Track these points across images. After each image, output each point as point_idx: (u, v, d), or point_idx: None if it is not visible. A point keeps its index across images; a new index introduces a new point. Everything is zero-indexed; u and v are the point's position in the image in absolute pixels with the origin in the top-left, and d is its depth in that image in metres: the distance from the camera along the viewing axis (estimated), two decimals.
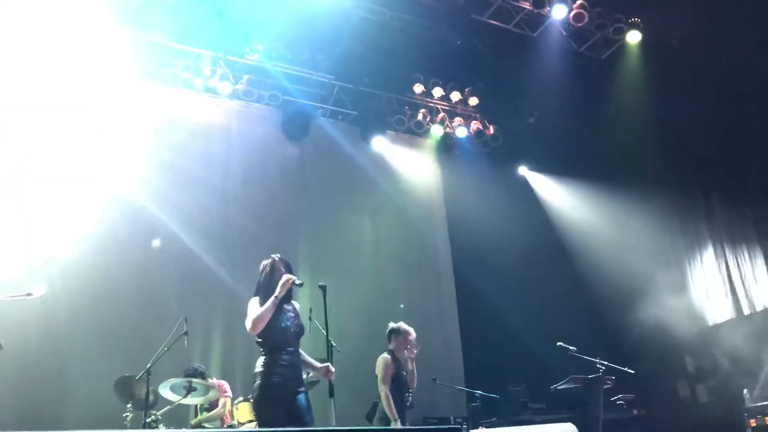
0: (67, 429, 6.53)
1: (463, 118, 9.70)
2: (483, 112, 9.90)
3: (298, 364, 4.31)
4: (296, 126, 9.01)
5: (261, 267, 4.55)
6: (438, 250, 9.66)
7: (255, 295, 4.40)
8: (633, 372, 5.69)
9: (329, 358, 6.30)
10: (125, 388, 5.83)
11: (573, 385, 5.71)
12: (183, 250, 7.68)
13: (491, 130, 9.89)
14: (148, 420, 5.57)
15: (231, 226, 8.19)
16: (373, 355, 8.08)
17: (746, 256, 7.72)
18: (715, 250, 8.08)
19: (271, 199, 8.64)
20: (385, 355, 5.67)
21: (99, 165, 7.45)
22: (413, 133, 9.61)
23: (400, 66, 9.20)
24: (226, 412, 6.31)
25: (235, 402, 6.12)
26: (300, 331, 4.42)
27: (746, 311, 7.60)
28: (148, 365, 5.60)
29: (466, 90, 9.72)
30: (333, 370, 4.40)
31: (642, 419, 5.86)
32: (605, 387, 5.64)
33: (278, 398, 4.08)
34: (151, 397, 5.70)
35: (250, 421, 5.96)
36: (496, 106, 9.93)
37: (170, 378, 5.78)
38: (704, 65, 7.69)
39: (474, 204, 9.37)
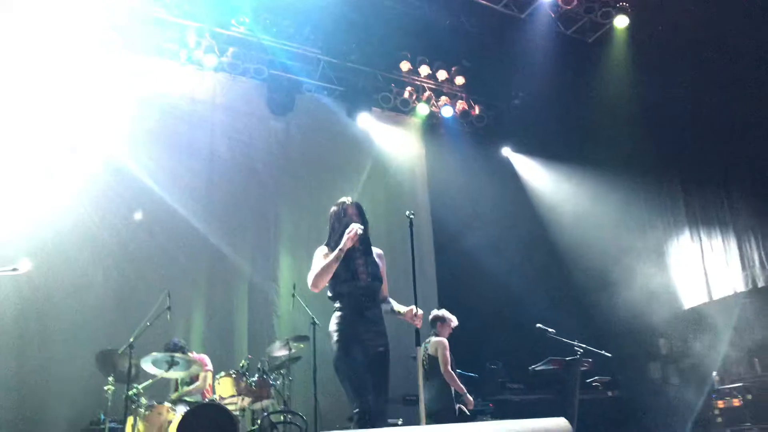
0: (46, 401, 6.56)
1: (449, 98, 9.68)
2: (469, 92, 9.90)
3: (375, 320, 3.82)
4: (281, 100, 8.93)
5: (330, 212, 4.08)
6: (420, 228, 9.71)
7: (325, 244, 3.99)
8: (609, 355, 5.85)
9: (313, 334, 6.44)
10: (107, 361, 5.85)
11: (551, 367, 5.84)
12: (166, 224, 7.64)
13: (476, 110, 9.90)
14: (129, 393, 5.60)
15: (214, 199, 8.15)
16: None
17: (720, 240, 7.90)
18: (691, 235, 8.25)
19: (255, 172, 8.60)
20: (442, 339, 5.91)
21: (81, 136, 7.34)
22: (399, 111, 9.58)
23: (387, 43, 9.13)
24: (207, 386, 6.37)
25: (217, 376, 6.15)
26: (373, 284, 3.86)
27: (717, 296, 7.80)
28: (131, 339, 5.62)
29: (453, 69, 9.70)
30: (419, 313, 3.82)
31: (616, 400, 6.03)
32: (582, 369, 5.79)
33: (352, 359, 3.67)
34: (133, 371, 5.72)
35: (232, 396, 6.02)
36: (482, 87, 9.94)
37: (153, 352, 5.81)
38: (689, 53, 7.76)
39: (457, 184, 9.41)
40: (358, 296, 3.80)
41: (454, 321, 6.06)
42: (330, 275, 3.78)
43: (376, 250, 4.01)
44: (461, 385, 5.72)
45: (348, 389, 3.63)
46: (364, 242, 3.91)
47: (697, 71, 7.69)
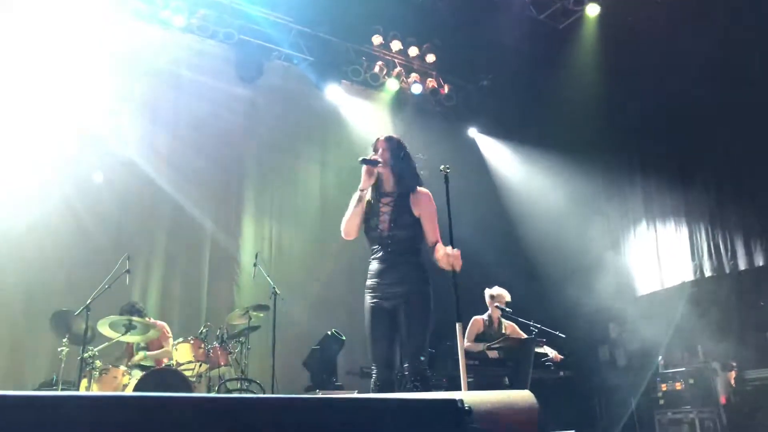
0: None
1: (420, 75, 9.66)
2: (439, 70, 9.90)
3: (400, 270, 3.46)
4: (250, 67, 8.75)
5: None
6: None
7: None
8: (564, 336, 6.03)
9: (274, 304, 6.44)
10: (62, 322, 5.73)
11: (506, 345, 5.98)
12: (128, 187, 7.46)
13: (446, 89, 9.92)
14: (84, 355, 5.52)
15: (178, 165, 7.95)
16: (316, 303, 8.24)
17: (673, 229, 8.17)
18: (647, 223, 8.51)
19: (219, 138, 8.43)
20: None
21: (37, 95, 7.07)
22: (368, 85, 9.51)
23: (360, 16, 9.01)
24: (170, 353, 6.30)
25: (175, 342, 6.11)
26: (397, 232, 3.50)
27: (667, 284, 8.10)
28: (88, 301, 5.54)
29: (425, 46, 9.67)
30: (452, 252, 3.42)
31: (566, 380, 6.23)
32: (548, 360, 6.01)
33: (370, 315, 3.47)
34: (89, 333, 5.63)
35: (189, 362, 5.99)
36: (453, 66, 9.94)
37: (109, 315, 5.73)
38: (656, 44, 7.92)
39: (422, 161, 9.44)
40: (381, 247, 3.52)
41: (488, 293, 6.36)
42: (356, 219, 3.52)
43: (417, 191, 3.59)
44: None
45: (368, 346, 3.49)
46: (399, 183, 3.56)
47: (663, 65, 7.87)
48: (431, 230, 3.57)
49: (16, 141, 6.87)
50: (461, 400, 1.43)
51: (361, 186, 3.53)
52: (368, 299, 3.51)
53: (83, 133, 7.26)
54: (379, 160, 3.55)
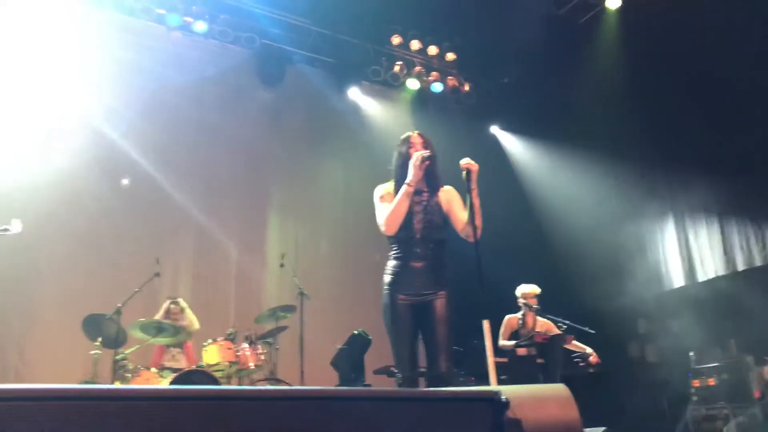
0: (32, 364, 6.56)
1: (440, 73, 9.65)
2: (459, 68, 9.87)
3: (428, 270, 3.44)
4: (272, 70, 8.84)
5: (396, 146, 3.68)
6: None
7: (390, 182, 3.63)
8: (593, 332, 5.98)
9: (300, 305, 6.49)
10: (94, 326, 5.83)
11: (535, 342, 5.95)
12: (154, 193, 7.58)
13: (466, 87, 9.89)
14: (117, 357, 5.61)
15: (202, 168, 8.10)
16: (342, 302, 8.29)
17: (704, 223, 8.04)
18: (675, 218, 8.39)
19: (244, 141, 8.54)
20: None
21: (70, 99, 7.21)
22: (389, 85, 9.54)
23: (379, 16, 9.04)
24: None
25: (204, 344, 6.17)
26: (429, 232, 3.47)
27: (699, 278, 7.98)
28: (119, 305, 5.62)
29: (444, 45, 9.66)
30: (466, 163, 3.42)
31: (596, 377, 6.18)
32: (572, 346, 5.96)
33: (393, 314, 3.41)
34: (121, 336, 5.73)
35: (218, 363, 6.04)
36: (473, 64, 9.91)
37: (140, 318, 5.83)
38: (679, 37, 7.80)
39: (445, 160, 9.42)
40: (411, 245, 3.45)
41: (518, 292, 6.37)
42: (403, 214, 3.41)
43: (444, 189, 3.60)
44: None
45: (391, 348, 3.43)
46: (428, 178, 3.51)
47: (686, 57, 7.76)
48: (462, 212, 3.54)
49: (48, 147, 6.99)
50: (499, 392, 1.43)
51: (409, 180, 3.42)
52: (390, 298, 3.46)
53: (111, 138, 7.38)
54: (434, 155, 3.50)
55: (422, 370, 3.67)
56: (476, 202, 3.43)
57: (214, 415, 1.27)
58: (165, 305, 6.50)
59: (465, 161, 3.43)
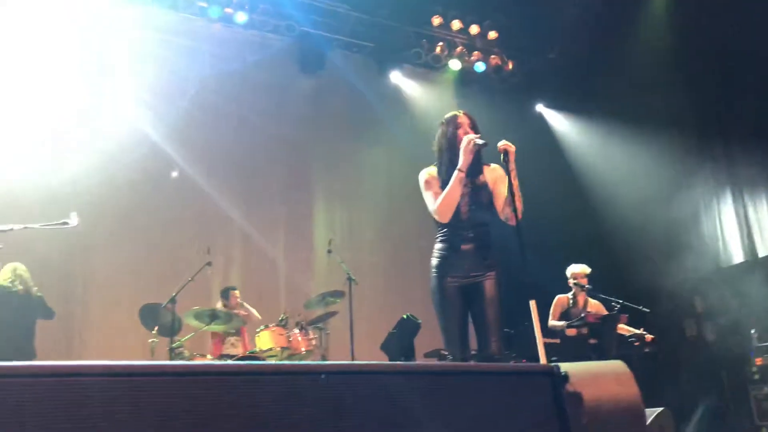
0: (92, 353, 6.80)
1: (482, 53, 9.50)
2: (502, 46, 9.69)
3: (475, 253, 3.40)
4: (311, 58, 8.85)
5: (439, 125, 3.61)
6: None
7: (433, 165, 3.56)
8: (647, 311, 5.83)
9: (349, 290, 6.52)
10: (150, 315, 5.98)
11: (586, 323, 5.85)
12: (203, 183, 7.73)
13: (510, 65, 9.71)
14: (173, 345, 5.75)
15: (248, 156, 8.22)
16: (390, 286, 8.32)
17: (764, 197, 7.72)
18: (732, 193, 8.08)
19: (287, 129, 8.59)
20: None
21: (117, 97, 7.39)
22: (430, 67, 9.44)
23: None
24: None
25: (257, 330, 6.27)
26: (476, 215, 3.43)
27: (761, 253, 7.67)
28: (173, 294, 5.75)
29: (486, 23, 9.49)
30: (505, 145, 3.32)
31: (652, 356, 6.04)
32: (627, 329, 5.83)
33: (442, 297, 3.40)
34: (176, 324, 5.87)
35: (271, 349, 6.12)
36: (516, 41, 9.71)
37: (194, 307, 5.96)
38: (733, 7, 7.46)
39: (490, 141, 9.29)
40: (458, 228, 3.42)
41: (568, 272, 6.31)
42: (456, 201, 3.35)
43: (488, 169, 3.52)
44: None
45: (441, 330, 3.43)
46: (477, 163, 3.42)
47: (742, 25, 7.42)
48: (504, 195, 3.44)
49: (100, 138, 7.20)
50: (557, 366, 1.40)
51: (461, 166, 3.34)
52: (438, 281, 3.44)
53: (158, 134, 7.53)
54: (480, 139, 3.37)
55: (473, 352, 3.64)
56: (515, 183, 3.34)
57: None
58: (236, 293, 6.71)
59: (502, 143, 3.33)
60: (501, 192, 3.47)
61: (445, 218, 3.40)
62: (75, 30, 7.30)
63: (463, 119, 3.52)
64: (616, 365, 1.77)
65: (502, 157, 3.37)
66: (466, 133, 3.42)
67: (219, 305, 6.56)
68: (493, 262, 3.45)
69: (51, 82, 7.12)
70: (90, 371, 1.28)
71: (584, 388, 1.51)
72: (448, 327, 3.41)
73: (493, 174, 3.53)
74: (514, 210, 3.29)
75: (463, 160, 3.33)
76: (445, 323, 3.42)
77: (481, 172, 3.52)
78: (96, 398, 1.25)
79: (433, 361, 6.81)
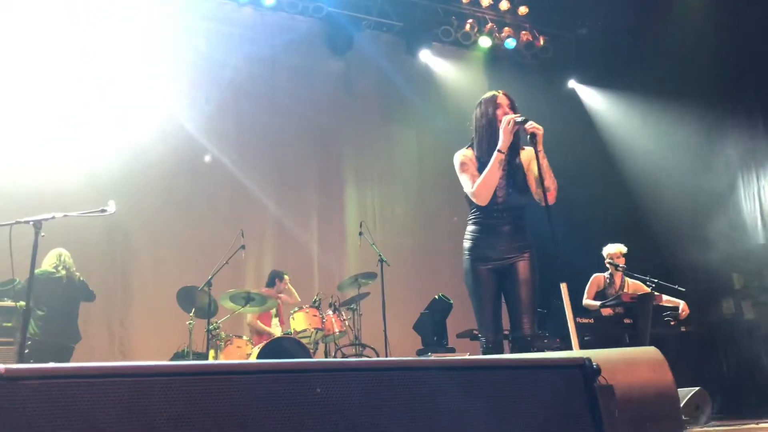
0: (132, 334, 7.01)
1: (512, 29, 9.35)
2: (533, 22, 9.52)
3: (510, 235, 3.37)
4: (341, 38, 8.81)
5: (476, 106, 3.50)
6: None
7: (468, 146, 3.50)
8: (683, 290, 5.75)
9: (381, 271, 6.57)
10: (187, 297, 6.13)
11: (621, 302, 5.79)
12: (233, 165, 7.83)
13: (541, 41, 9.54)
14: (210, 327, 5.89)
15: (279, 139, 8.28)
16: (421, 267, 8.35)
17: None
18: None
19: (317, 111, 8.63)
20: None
21: (154, 86, 7.50)
22: (460, 44, 9.33)
23: None
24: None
25: (291, 311, 6.36)
26: (512, 198, 3.38)
27: None
28: (209, 277, 5.87)
29: None
30: (533, 125, 3.21)
31: (689, 335, 5.95)
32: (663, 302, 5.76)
33: (475, 280, 3.37)
34: (212, 307, 6.00)
35: (305, 330, 6.20)
36: (547, 16, 9.52)
37: (229, 289, 6.08)
38: None
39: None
40: (493, 211, 3.37)
41: (604, 252, 6.21)
42: (495, 183, 3.29)
43: (524, 151, 3.44)
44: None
45: (474, 312, 3.42)
46: (515, 144, 3.34)
47: None
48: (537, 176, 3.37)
49: (132, 126, 7.34)
50: (589, 359, 1.40)
51: (501, 146, 3.26)
52: (472, 262, 3.40)
53: (193, 119, 7.63)
54: (527, 118, 3.25)
55: (506, 333, 3.64)
56: (544, 163, 3.25)
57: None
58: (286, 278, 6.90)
59: (530, 125, 3.22)
60: (535, 172, 3.39)
61: (484, 201, 3.34)
62: (113, 20, 7.42)
63: (503, 99, 3.43)
64: (650, 352, 1.76)
65: (529, 138, 3.29)
66: (506, 113, 3.34)
67: (260, 289, 6.66)
68: (528, 244, 3.41)
69: (90, 72, 7.26)
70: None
71: (617, 376, 1.51)
72: (481, 309, 3.40)
73: (528, 155, 3.45)
74: (544, 192, 3.22)
75: (503, 141, 3.26)
76: (478, 305, 3.40)
77: (518, 153, 3.45)
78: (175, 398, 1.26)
79: (465, 342, 6.83)
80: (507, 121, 3.26)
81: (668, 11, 8.30)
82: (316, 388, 1.26)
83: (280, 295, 6.76)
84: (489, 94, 3.51)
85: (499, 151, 3.27)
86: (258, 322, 6.63)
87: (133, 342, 7.05)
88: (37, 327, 5.53)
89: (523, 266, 3.35)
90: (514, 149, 3.40)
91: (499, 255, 3.37)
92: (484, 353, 3.37)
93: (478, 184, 3.32)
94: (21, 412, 1.15)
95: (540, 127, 3.23)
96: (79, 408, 1.19)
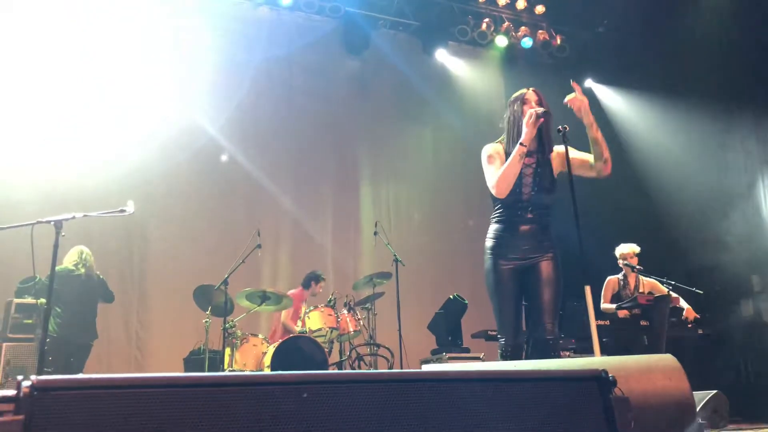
0: (150, 331, 7.08)
1: (529, 28, 9.31)
2: (550, 20, 9.48)
3: (534, 234, 3.34)
4: (357, 38, 8.84)
5: (507, 105, 3.54)
6: None
7: (498, 140, 3.49)
8: (701, 292, 5.70)
9: (396, 271, 6.58)
10: (204, 296, 6.17)
11: (638, 304, 5.76)
12: (250, 164, 7.89)
13: (558, 40, 9.49)
14: (226, 325, 5.93)
15: (296, 138, 8.34)
16: (436, 267, 8.34)
17: None
18: None
19: (333, 110, 8.70)
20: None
21: (164, 85, 7.57)
22: (476, 43, 9.31)
23: None
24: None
25: (306, 311, 6.39)
26: (539, 196, 3.35)
27: None
28: (226, 276, 5.90)
29: None
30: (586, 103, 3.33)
31: (706, 338, 5.90)
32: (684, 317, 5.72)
33: (497, 278, 3.32)
34: (228, 305, 6.04)
35: (320, 329, 6.22)
36: (564, 15, 9.47)
37: (245, 288, 6.12)
38: None
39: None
40: (517, 209, 3.34)
41: (617, 253, 6.21)
42: (515, 176, 3.27)
43: (556, 149, 3.42)
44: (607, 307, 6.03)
45: (494, 313, 3.34)
46: (540, 138, 3.33)
47: None
48: (583, 154, 3.44)
49: (147, 129, 7.41)
50: (605, 371, 1.40)
51: (523, 139, 3.24)
52: (493, 262, 3.35)
53: (206, 116, 7.70)
54: (549, 111, 3.30)
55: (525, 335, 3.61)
56: (599, 135, 3.38)
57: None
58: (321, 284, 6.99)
59: (570, 98, 3.34)
60: (578, 157, 3.42)
61: (503, 193, 3.30)
62: (134, 23, 7.50)
63: (530, 95, 3.44)
64: (666, 359, 1.76)
65: (563, 138, 3.34)
66: (532, 108, 3.34)
67: (291, 290, 6.74)
68: (551, 244, 3.36)
69: (112, 76, 7.37)
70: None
71: (632, 384, 1.51)
72: (502, 309, 3.33)
73: (560, 156, 3.42)
74: (604, 161, 3.38)
75: (526, 134, 3.25)
76: (499, 305, 3.33)
77: (550, 149, 3.42)
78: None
79: (480, 342, 6.82)
80: (530, 114, 3.27)
81: (684, 9, 8.22)
82: (303, 393, 1.27)
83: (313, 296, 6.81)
84: (519, 92, 3.50)
85: (521, 144, 3.25)
86: (290, 322, 6.66)
87: (150, 339, 7.14)
88: (56, 324, 5.60)
89: (546, 266, 3.30)
90: (544, 144, 3.38)
91: (522, 254, 3.32)
92: (502, 357, 3.32)
93: (498, 176, 3.29)
94: (54, 423, 1.15)
95: (583, 98, 3.27)
96: (110, 420, 1.20)
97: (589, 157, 3.41)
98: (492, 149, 3.45)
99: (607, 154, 3.34)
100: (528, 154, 3.32)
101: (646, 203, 8.28)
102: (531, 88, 3.48)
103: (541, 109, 3.28)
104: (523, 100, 3.43)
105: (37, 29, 7.09)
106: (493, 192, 3.35)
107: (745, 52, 7.73)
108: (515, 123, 3.38)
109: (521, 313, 3.38)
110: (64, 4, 7.25)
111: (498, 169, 3.34)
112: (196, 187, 7.60)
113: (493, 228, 3.43)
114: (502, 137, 3.50)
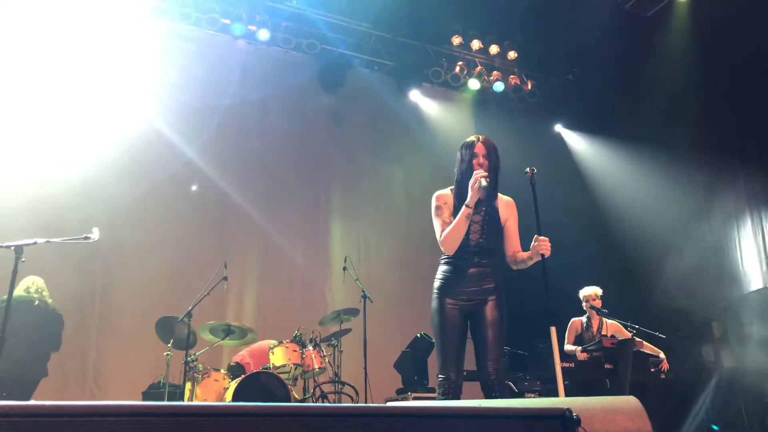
0: (108, 364, 6.87)
1: (501, 72, 9.54)
2: (521, 66, 9.73)
3: (482, 276, 3.42)
4: (333, 75, 8.94)
5: (459, 148, 3.58)
6: None
7: (451, 187, 3.57)
8: (663, 337, 5.78)
9: (364, 308, 6.54)
10: (166, 328, 6.04)
11: (602, 347, 5.80)
12: (221, 198, 7.84)
13: (529, 85, 9.73)
14: (188, 359, 5.79)
15: (267, 174, 8.30)
16: (404, 305, 8.31)
17: None
18: (752, 218, 8.00)
19: (306, 146, 8.73)
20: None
21: (131, 110, 7.51)
22: (449, 86, 9.49)
23: (438, 17, 9.00)
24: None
25: (271, 347, 6.29)
26: (486, 243, 3.47)
27: None
28: (190, 308, 5.80)
29: (505, 43, 9.54)
30: (540, 239, 3.38)
31: (668, 382, 5.97)
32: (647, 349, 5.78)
33: (442, 319, 3.40)
34: (191, 338, 5.91)
35: (284, 365, 6.12)
36: (536, 61, 9.74)
37: (210, 321, 6.01)
38: (751, 27, 7.43)
39: (508, 160, 9.28)
40: (465, 254, 3.43)
41: (580, 295, 6.30)
42: (461, 235, 3.38)
43: (504, 200, 3.57)
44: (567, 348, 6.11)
45: (437, 351, 3.42)
46: (492, 192, 3.42)
47: (762, 47, 7.38)
48: (516, 238, 3.58)
49: (112, 157, 7.30)
50: (569, 409, 1.40)
51: (469, 202, 3.34)
52: (440, 302, 3.45)
53: (174, 150, 7.64)
54: (488, 180, 3.35)
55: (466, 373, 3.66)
56: (528, 263, 3.51)
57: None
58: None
59: (537, 251, 3.39)
60: (509, 234, 3.56)
61: (450, 251, 3.44)
62: (102, 41, 7.46)
63: (480, 148, 3.48)
64: (629, 401, 1.77)
65: (530, 181, 3.52)
66: (480, 163, 3.42)
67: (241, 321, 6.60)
68: (497, 286, 3.46)
69: (76, 93, 7.28)
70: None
71: (596, 425, 1.51)
72: (445, 347, 3.40)
73: (508, 210, 3.57)
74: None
75: (470, 197, 3.34)
76: (443, 344, 3.41)
77: (495, 199, 3.53)
78: None
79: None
80: (474, 179, 3.33)
81: (655, 59, 8.53)
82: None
83: None
84: (469, 139, 3.55)
85: (466, 205, 3.35)
86: None
87: (109, 371, 6.91)
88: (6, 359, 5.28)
89: (490, 307, 3.40)
90: (491, 197, 3.48)
91: (468, 296, 3.42)
92: (443, 395, 3.34)
93: (445, 235, 3.41)
94: None
95: (548, 248, 3.36)
96: None
97: (513, 246, 3.58)
98: (440, 200, 3.54)
99: (517, 268, 3.56)
100: (476, 205, 3.40)
101: (612, 248, 8.43)
102: (481, 138, 3.53)
103: (485, 178, 3.31)
104: (472, 153, 3.48)
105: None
106: (441, 248, 3.48)
107: (713, 101, 8.01)
108: (462, 176, 3.47)
109: (463, 353, 3.44)
110: (27, 32, 7.17)
111: (445, 220, 3.46)
112: (161, 216, 7.48)
113: (441, 269, 3.53)
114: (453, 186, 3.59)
